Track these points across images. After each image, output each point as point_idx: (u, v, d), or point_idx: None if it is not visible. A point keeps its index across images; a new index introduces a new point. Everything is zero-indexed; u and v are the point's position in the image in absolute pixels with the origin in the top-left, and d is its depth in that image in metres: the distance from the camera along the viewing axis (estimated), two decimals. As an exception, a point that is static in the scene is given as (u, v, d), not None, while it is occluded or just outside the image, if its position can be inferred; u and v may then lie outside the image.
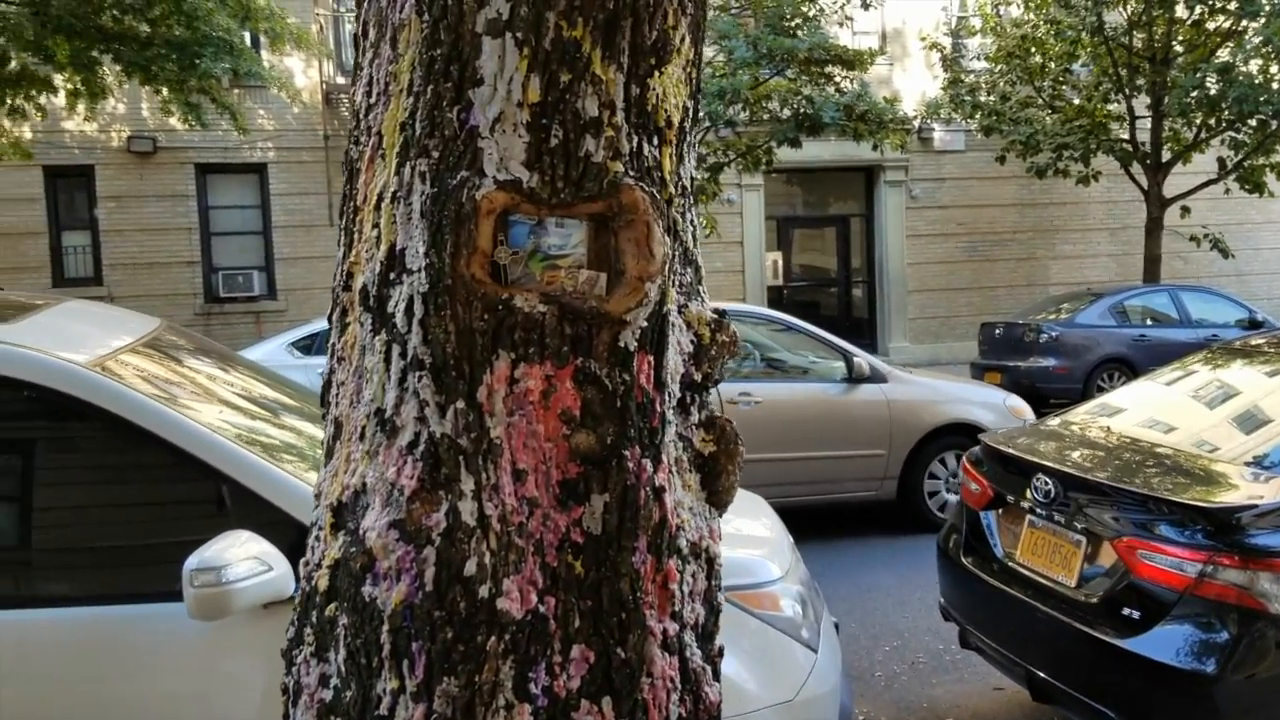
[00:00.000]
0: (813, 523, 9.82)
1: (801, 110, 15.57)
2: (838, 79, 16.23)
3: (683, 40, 2.15)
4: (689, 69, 2.21)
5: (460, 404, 1.98)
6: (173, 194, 19.72)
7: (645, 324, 2.06)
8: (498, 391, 1.99)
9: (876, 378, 9.68)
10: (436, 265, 1.98)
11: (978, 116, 19.19)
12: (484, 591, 1.94)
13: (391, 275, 2.05)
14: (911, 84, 22.17)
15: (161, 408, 3.33)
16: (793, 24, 15.67)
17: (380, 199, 2.09)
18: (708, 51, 15.38)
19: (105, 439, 3.40)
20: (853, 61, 16.06)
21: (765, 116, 16.08)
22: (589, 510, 2.03)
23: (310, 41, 16.40)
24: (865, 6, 17.09)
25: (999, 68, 19.43)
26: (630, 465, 2.04)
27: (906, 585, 8.12)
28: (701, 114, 14.13)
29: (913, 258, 23.20)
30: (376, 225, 2.09)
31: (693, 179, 2.35)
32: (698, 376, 2.28)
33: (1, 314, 3.91)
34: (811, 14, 16.05)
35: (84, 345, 3.69)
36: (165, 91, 14.96)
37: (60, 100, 16.28)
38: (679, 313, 2.27)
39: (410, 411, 2.00)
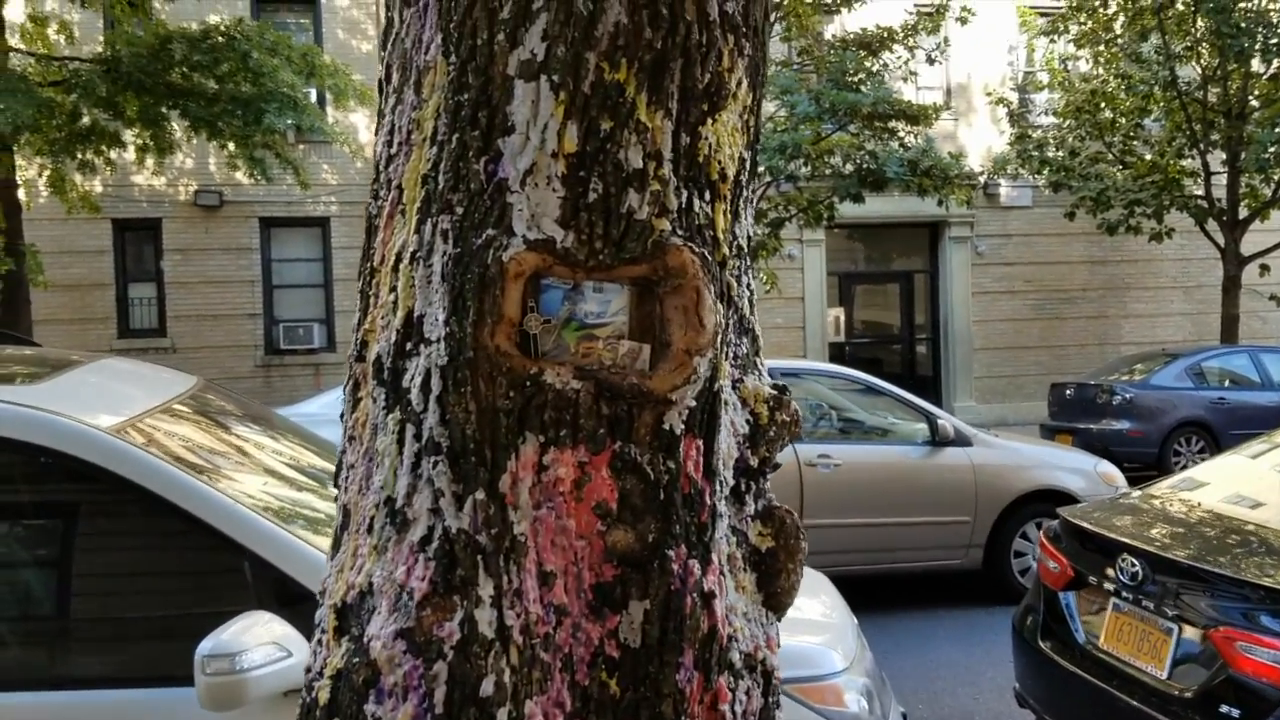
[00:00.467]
0: (878, 593, 9.42)
1: (864, 165, 15.31)
2: (901, 134, 15.97)
3: (739, 84, 1.91)
4: (746, 116, 1.96)
5: (480, 494, 1.73)
6: (237, 247, 19.91)
7: (693, 403, 1.80)
8: (523, 481, 1.74)
9: (960, 440, 9.29)
10: (457, 335, 1.75)
11: (1045, 172, 18.79)
12: (503, 716, 1.67)
13: (408, 346, 1.81)
14: (977, 139, 21.83)
15: (183, 475, 3.12)
16: (856, 79, 15.47)
17: (399, 260, 1.87)
18: (769, 107, 15.22)
19: (122, 508, 3.19)
20: (917, 116, 15.80)
21: (827, 171, 15.84)
22: (626, 619, 1.76)
23: (373, 98, 16.51)
24: (930, 62, 16.85)
25: (1067, 123, 19.04)
26: (675, 567, 1.77)
27: (979, 663, 7.69)
28: (761, 168, 13.96)
29: (978, 315, 22.73)
30: (394, 289, 1.86)
31: (750, 238, 2.10)
32: (754, 461, 2.00)
33: (34, 372, 3.76)
34: (875, 69, 15.84)
35: (111, 407, 3.51)
36: (231, 146, 15.11)
37: (130, 155, 16.53)
38: (733, 389, 2.00)
39: (423, 502, 1.75)
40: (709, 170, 1.88)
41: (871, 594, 9.27)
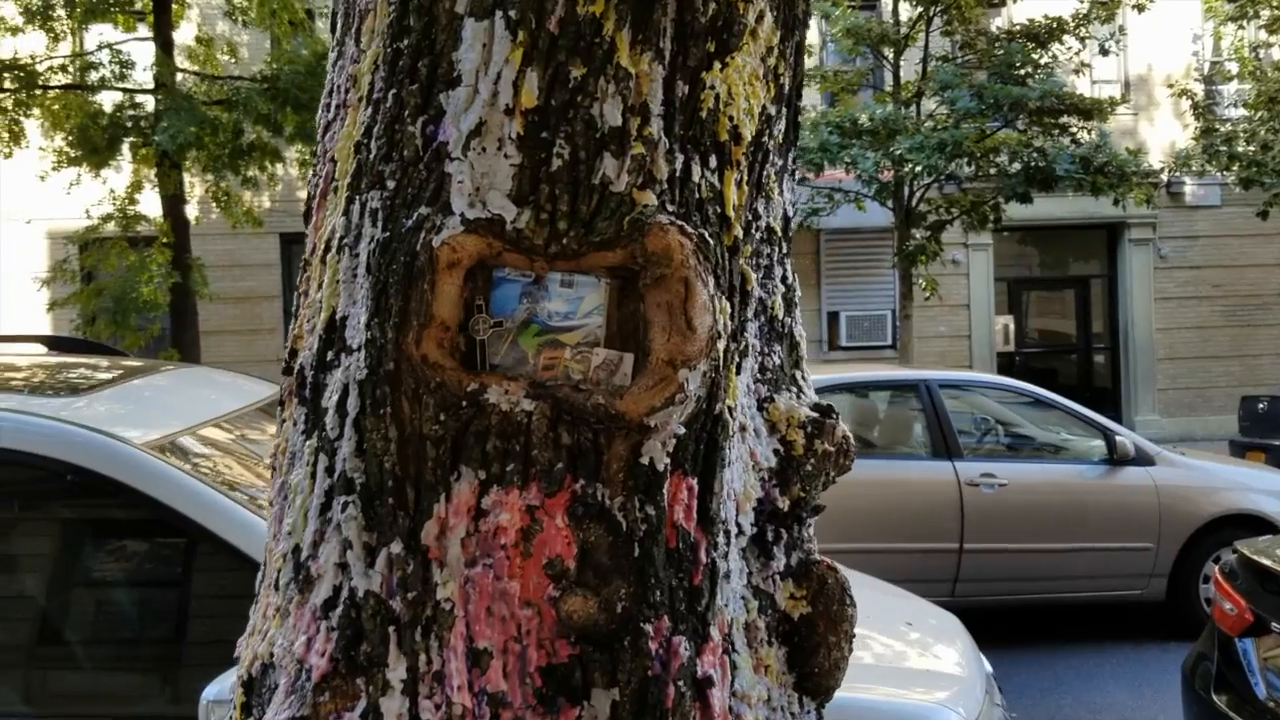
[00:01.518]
0: (1041, 624, 8.66)
1: (1033, 163, 14.36)
2: (1074, 129, 14.93)
3: (759, 19, 1.48)
4: (772, 61, 1.52)
5: (396, 547, 1.34)
6: (397, 258, 20.20)
7: (681, 430, 1.37)
8: (454, 529, 1.34)
9: (1142, 459, 8.38)
10: (378, 342, 1.36)
11: (1235, 168, 17.32)
12: (409, 842, 1.28)
13: (329, 355, 1.44)
14: (1158, 134, 20.38)
15: (212, 493, 2.84)
16: (1022, 72, 14.54)
17: (328, 248, 1.50)
18: (928, 104, 14.48)
19: (150, 528, 2.94)
20: (1090, 110, 14.72)
21: (992, 171, 14.95)
22: (588, 713, 1.34)
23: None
24: (1104, 52, 15.73)
25: (1259, 114, 17.51)
26: (653, 645, 1.35)
27: (1146, 707, 6.91)
28: (919, 167, 13.26)
29: (1162, 323, 21.22)
30: (321, 285, 1.49)
31: (787, 217, 1.65)
32: (784, 503, 1.56)
33: (92, 382, 3.58)
34: (1044, 61, 14.87)
35: (159, 419, 3.27)
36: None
37: (294, 171, 16.94)
38: (758, 410, 1.56)
39: (330, 555, 1.38)
40: (715, 129, 1.44)
41: (1034, 625, 8.53)
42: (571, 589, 1.34)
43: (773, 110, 1.54)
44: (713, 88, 1.43)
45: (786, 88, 1.58)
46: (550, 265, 1.39)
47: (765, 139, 1.53)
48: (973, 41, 15.24)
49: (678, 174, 1.41)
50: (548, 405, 1.36)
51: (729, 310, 1.43)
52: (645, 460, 1.36)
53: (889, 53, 14.88)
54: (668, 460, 1.37)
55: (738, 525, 1.50)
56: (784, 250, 1.65)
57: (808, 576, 1.57)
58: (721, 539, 1.44)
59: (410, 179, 1.41)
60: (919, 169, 13.66)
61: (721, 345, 1.40)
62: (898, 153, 13.25)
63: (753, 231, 1.52)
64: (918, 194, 14.73)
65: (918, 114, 14.59)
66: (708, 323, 1.37)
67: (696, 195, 1.43)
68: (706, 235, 1.41)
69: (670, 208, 1.40)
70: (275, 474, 1.53)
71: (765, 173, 1.55)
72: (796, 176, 1.69)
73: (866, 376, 8.96)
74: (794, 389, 1.64)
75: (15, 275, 16.40)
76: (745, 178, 1.49)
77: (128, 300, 11.34)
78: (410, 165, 1.41)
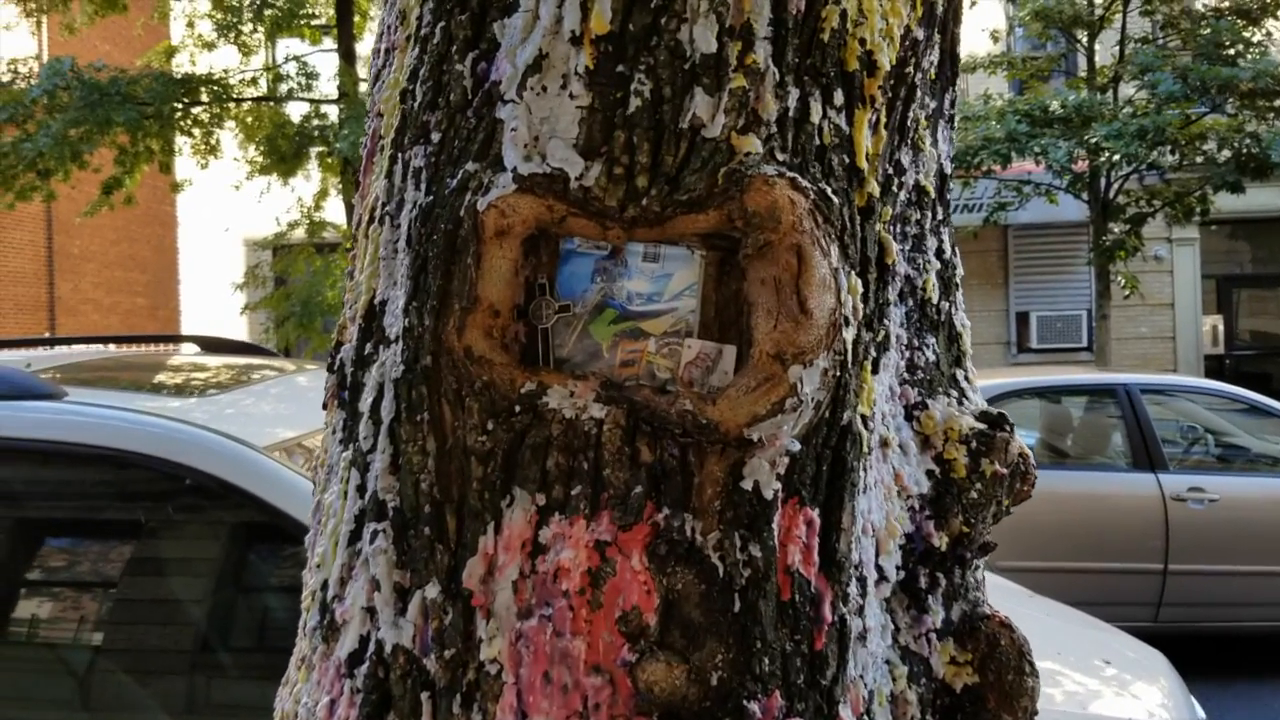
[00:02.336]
0: (1258, 655, 7.82)
1: (1245, 150, 13.19)
2: (1292, 112, 13.67)
3: (903, -88, 1.13)
4: (923, -30, 1.18)
5: (433, 590, 1.06)
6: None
7: (796, 447, 1.04)
8: (504, 569, 1.05)
9: (1373, 470, 7.43)
10: (416, 331, 1.09)
11: None
12: None
13: (367, 348, 1.18)
14: (1393, 116, 18.55)
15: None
16: (1232, 51, 13.38)
17: (371, 219, 1.23)
18: (1125, 89, 13.51)
19: (266, 533, 2.77)
20: (1312, 91, 13.46)
21: (1199, 159, 13.82)
22: (670, 816, 1.02)
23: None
24: (1329, 27, 14.35)
25: None
26: (758, 730, 1.02)
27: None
28: (1118, 156, 12.36)
29: (1396, 322, 19.31)
30: (364, 263, 1.23)
31: (944, 175, 1.30)
32: (941, 540, 1.21)
33: (230, 380, 3.47)
34: (1256, 39, 13.66)
35: (288, 421, 3.11)
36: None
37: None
38: (907, 420, 1.21)
39: (357, 596, 1.10)
40: (841, 56, 1.11)
41: (1251, 657, 7.70)
42: (652, 652, 1.03)
43: (920, 34, 1.19)
44: (838, 2, 1.10)
45: (939, 7, 1.23)
46: (629, 234, 1.08)
47: (910, 71, 1.18)
48: (1175, 20, 14.16)
49: (791, 114, 1.08)
50: (622, 412, 1.05)
51: (860, 289, 1.09)
52: (748, 485, 1.04)
53: (1082, 35, 13.96)
54: (778, 485, 1.05)
55: (878, 570, 1.16)
56: (939, 216, 1.29)
57: (973, 636, 1.21)
58: (854, 588, 1.10)
59: (457, 129, 1.13)
60: (1117, 158, 12.71)
61: (849, 335, 1.07)
62: (1093, 141, 12.38)
63: (894, 190, 1.18)
64: (1115, 185, 13.74)
65: (1115, 99, 13.64)
66: (828, 305, 1.03)
67: (816, 141, 1.10)
68: (828, 191, 1.08)
69: (780, 156, 1.07)
70: (315, 490, 1.27)
71: (911, 115, 1.20)
72: (955, 125, 1.33)
73: (1059, 380, 8.26)
74: (954, 393, 1.28)
75: (215, 281, 17.16)
76: (883, 119, 1.15)
77: (313, 304, 11.61)
78: (458, 113, 1.13)
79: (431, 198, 1.12)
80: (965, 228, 14.33)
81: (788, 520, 1.06)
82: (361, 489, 1.13)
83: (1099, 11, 13.91)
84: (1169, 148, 13.45)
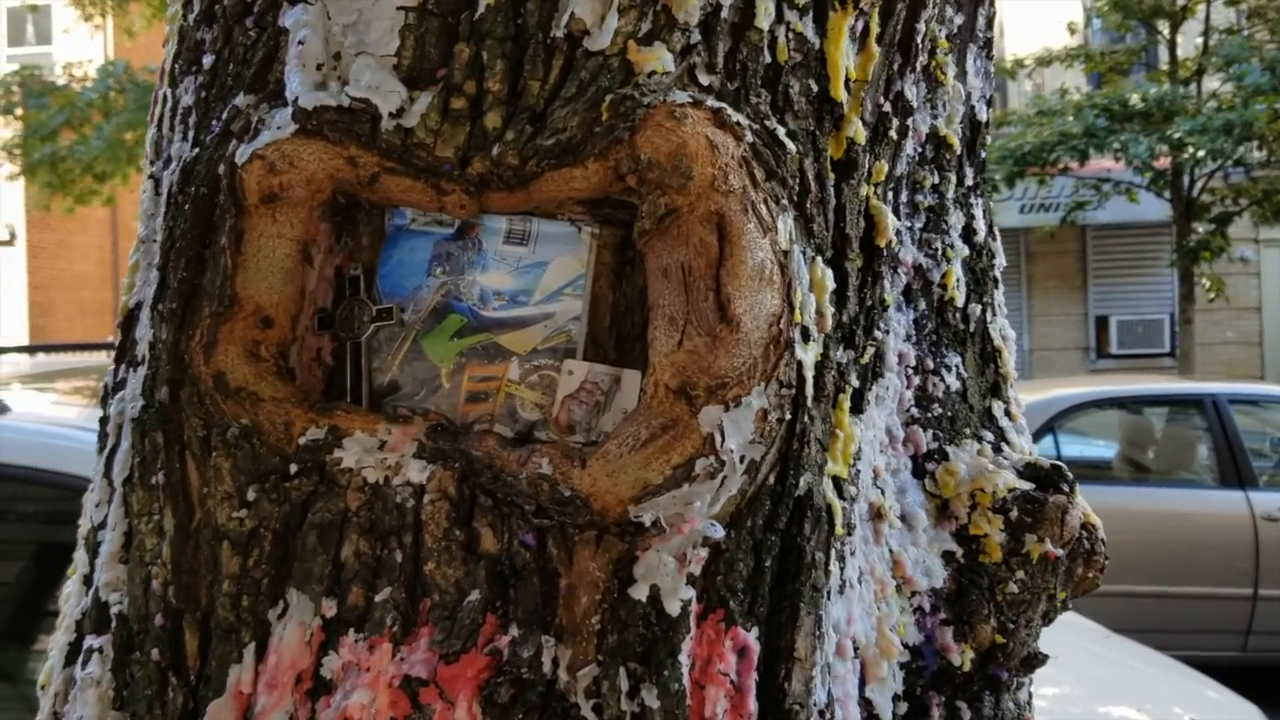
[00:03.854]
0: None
1: (1339, 145, 12.46)
2: (1392, 105, 12.86)
3: None
4: None
5: None
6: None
7: (721, 533, 0.65)
8: (269, 719, 0.67)
9: None
10: (156, 349, 0.72)
11: None
12: None
13: (120, 371, 0.81)
14: None
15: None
16: (1328, 40, 12.63)
17: (145, 185, 0.87)
18: (1210, 82, 12.85)
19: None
20: None
21: (1290, 155, 13.11)
22: None
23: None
24: None
25: None
26: None
27: None
28: (1201, 152, 11.70)
29: None
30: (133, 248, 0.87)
31: (976, 123, 0.90)
32: (963, 656, 0.80)
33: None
34: (1354, 26, 12.88)
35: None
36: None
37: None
38: (920, 477, 0.82)
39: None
40: (806, -73, 0.72)
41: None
42: None
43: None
44: None
45: None
46: (479, 201, 0.70)
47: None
48: (1262, 10, 13.43)
49: (724, 15, 0.69)
50: (452, 476, 0.67)
51: (830, 285, 0.70)
52: (642, 592, 0.65)
53: (1164, 26, 13.29)
54: (690, 594, 0.65)
55: (864, 706, 0.76)
56: (969, 180, 0.89)
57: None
58: None
59: (233, 49, 0.75)
60: (1201, 154, 12.04)
61: (808, 355, 0.67)
62: (1176, 136, 11.73)
63: (892, 136, 0.78)
64: (1199, 183, 13.05)
65: (1198, 93, 12.95)
66: (767, 308, 0.64)
67: (765, 58, 0.71)
68: (779, 132, 0.68)
69: (704, 79, 0.68)
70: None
71: (920, 27, 0.80)
72: (991, 60, 0.92)
73: (1140, 389, 7.68)
74: (989, 435, 0.88)
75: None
76: (874, 29, 0.75)
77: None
78: (235, 24, 0.75)
79: (196, 150, 0.74)
80: (1041, 228, 13.73)
81: (707, 647, 0.67)
82: (88, 581, 0.76)
83: (1181, 1, 13.23)
84: (1256, 143, 12.75)
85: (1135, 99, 12.27)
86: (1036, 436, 5.78)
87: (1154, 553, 6.43)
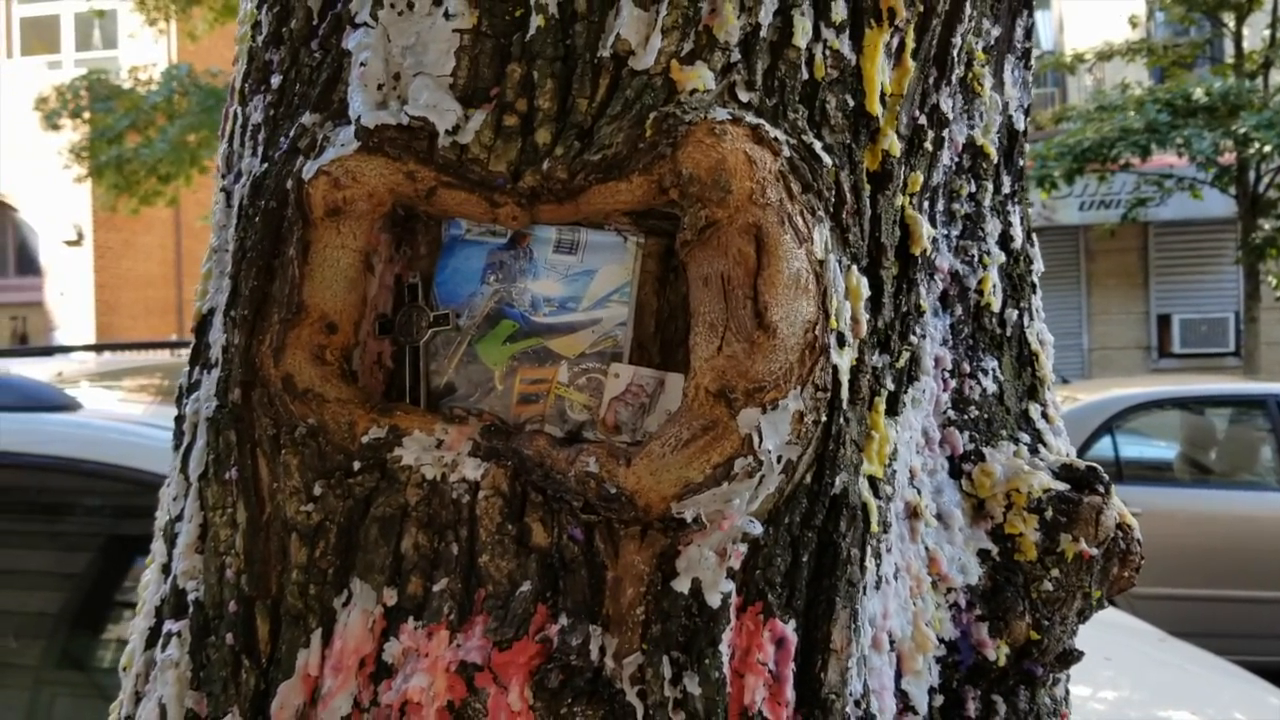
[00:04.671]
0: None
1: None
2: None
3: None
4: None
5: None
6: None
7: (760, 529, 0.69)
8: (333, 700, 0.73)
9: None
10: (229, 353, 0.77)
11: None
12: None
13: (195, 373, 0.86)
14: None
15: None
16: (1400, 32, 12.27)
17: (217, 197, 0.92)
18: (1276, 76, 12.55)
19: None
20: None
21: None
22: None
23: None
24: None
25: None
26: None
27: None
28: (1269, 148, 11.43)
29: None
30: (205, 257, 0.92)
31: (1014, 133, 0.93)
32: (998, 651, 0.83)
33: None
34: None
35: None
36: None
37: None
38: (956, 478, 0.85)
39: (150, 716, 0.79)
40: (843, -50, 0.75)
41: None
42: (532, 832, 0.68)
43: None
44: None
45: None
46: (531, 212, 0.74)
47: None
48: (1335, 0, 13.11)
49: (763, 34, 0.73)
50: (505, 473, 0.71)
51: (866, 292, 0.73)
52: (684, 585, 0.69)
53: (1229, 19, 13.02)
54: (730, 586, 0.69)
55: (899, 698, 0.79)
56: (1006, 189, 0.92)
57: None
58: None
59: (299, 69, 0.80)
60: (1267, 149, 11.77)
61: (843, 359, 0.71)
62: (1241, 131, 11.48)
63: (928, 148, 0.81)
64: (1265, 178, 12.76)
65: (1265, 87, 12.67)
66: (803, 315, 0.68)
67: (802, 74, 0.74)
68: (815, 147, 0.71)
69: (744, 96, 0.72)
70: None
71: (956, 40, 0.83)
72: (1029, 70, 0.94)
73: (1203, 389, 7.54)
74: (1025, 437, 0.90)
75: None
76: (910, 44, 0.78)
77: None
78: (301, 46, 0.80)
79: (265, 165, 0.79)
80: (1102, 225, 13.50)
81: (746, 638, 0.70)
82: (166, 570, 0.81)
83: (1248, -7, 12.96)
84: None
85: (1199, 93, 12.04)
86: (1095, 437, 5.70)
87: (1215, 556, 6.33)
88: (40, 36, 14.73)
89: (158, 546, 0.84)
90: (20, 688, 2.33)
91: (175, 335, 14.23)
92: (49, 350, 4.88)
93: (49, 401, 2.50)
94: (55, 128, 10.58)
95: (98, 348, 6.58)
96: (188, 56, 12.75)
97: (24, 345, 12.81)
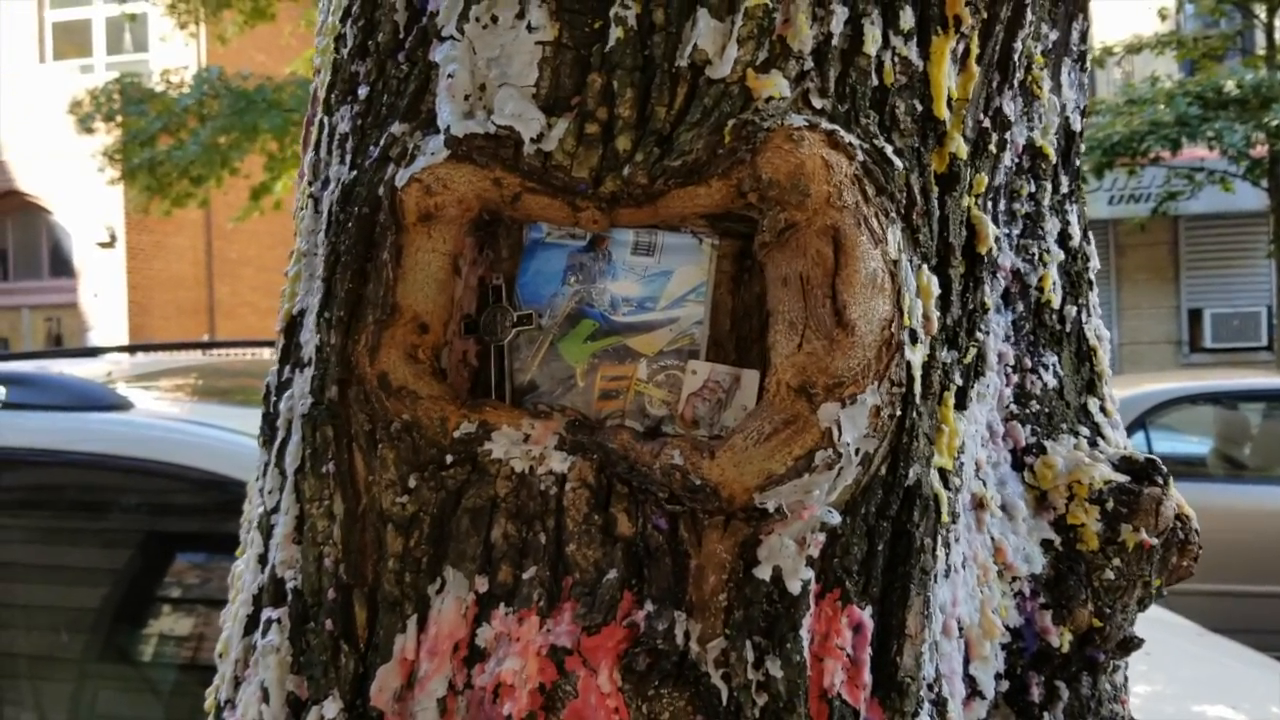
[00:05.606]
0: None
1: None
2: None
3: None
4: None
5: (332, 709, 0.77)
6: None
7: (838, 519, 0.72)
8: (427, 683, 0.76)
9: None
10: (325, 352, 0.81)
11: None
12: None
13: (285, 372, 0.90)
14: None
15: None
16: None
17: (304, 203, 0.96)
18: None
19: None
20: None
21: None
22: None
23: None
24: None
25: None
26: None
27: None
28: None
29: None
30: (291, 261, 0.96)
31: (1070, 133, 0.95)
32: (1061, 638, 0.86)
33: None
34: None
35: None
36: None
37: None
38: (1018, 470, 0.88)
39: (249, 708, 0.83)
40: (911, -41, 0.78)
41: None
42: (623, 811, 0.72)
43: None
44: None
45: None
46: (610, 216, 0.77)
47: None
48: (1369, -9, 12.97)
49: (834, 42, 0.76)
50: (591, 466, 0.75)
51: (936, 290, 0.76)
52: (765, 572, 0.72)
53: (1260, 10, 12.90)
54: (810, 574, 0.72)
55: (968, 683, 0.82)
56: (1064, 188, 0.94)
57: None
58: (927, 718, 0.76)
59: (386, 81, 0.84)
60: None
61: (916, 355, 0.74)
62: (1273, 124, 11.37)
63: (992, 150, 0.84)
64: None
65: (1297, 78, 12.56)
66: (880, 313, 0.71)
67: (872, 80, 0.77)
68: (887, 150, 0.74)
69: (817, 103, 0.75)
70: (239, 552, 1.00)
71: (1017, 45, 0.85)
72: (1085, 72, 0.97)
73: (1236, 384, 7.50)
74: (1085, 430, 0.93)
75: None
76: (974, 50, 0.81)
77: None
78: (388, 58, 0.84)
79: (355, 173, 0.83)
80: (1132, 219, 13.40)
81: (825, 623, 0.73)
82: (263, 560, 0.85)
83: (1280, -16, 12.84)
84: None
85: (1230, 86, 11.93)
86: (1128, 432, 5.71)
87: (1249, 551, 6.31)
88: (72, 40, 14.89)
89: (252, 537, 0.88)
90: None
91: (207, 335, 14.36)
92: (89, 351, 4.94)
93: (102, 401, 2.55)
94: (89, 131, 10.70)
95: (130, 349, 6.66)
96: (218, 59, 12.85)
97: (59, 347, 12.98)
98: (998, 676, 0.85)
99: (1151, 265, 15.60)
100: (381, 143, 0.81)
